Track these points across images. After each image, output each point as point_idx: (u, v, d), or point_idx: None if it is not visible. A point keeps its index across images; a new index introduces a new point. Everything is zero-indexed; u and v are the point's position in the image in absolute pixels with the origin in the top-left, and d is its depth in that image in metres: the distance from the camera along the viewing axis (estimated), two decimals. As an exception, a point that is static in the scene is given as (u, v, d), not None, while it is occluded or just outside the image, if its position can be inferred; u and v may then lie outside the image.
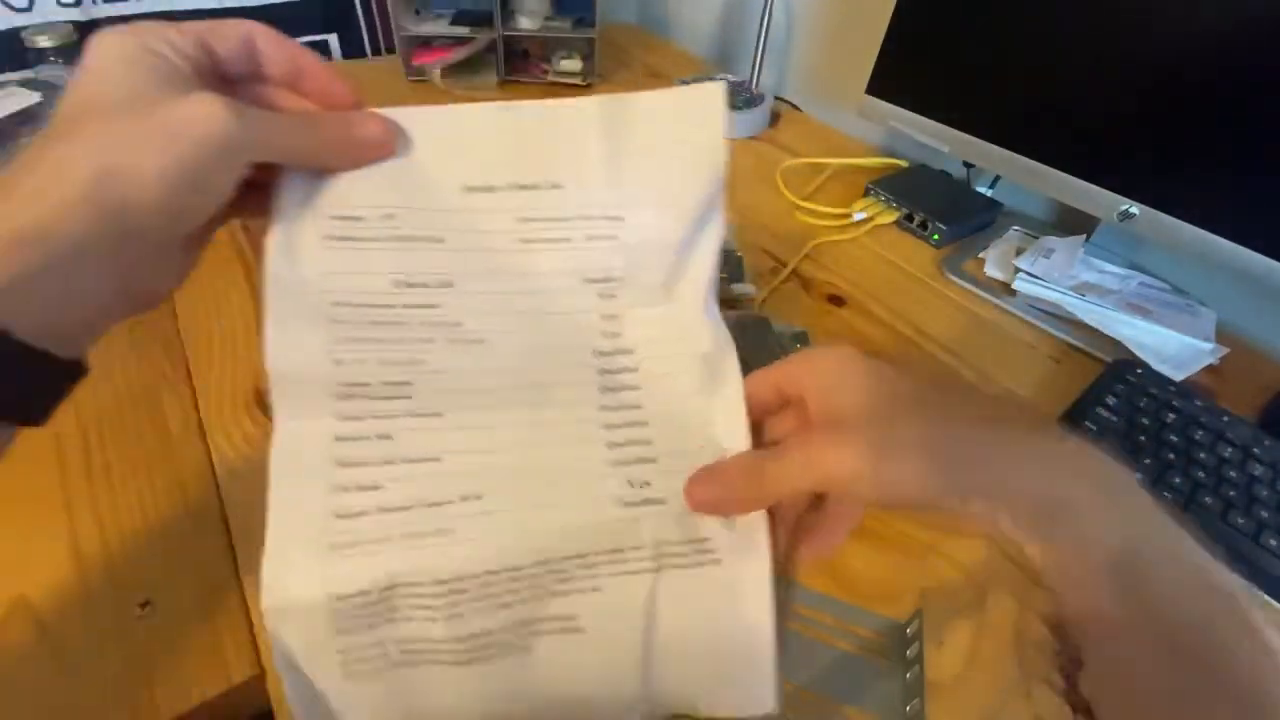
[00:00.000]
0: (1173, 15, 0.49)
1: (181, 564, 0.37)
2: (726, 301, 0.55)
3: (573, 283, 0.29)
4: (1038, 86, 0.57)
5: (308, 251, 0.26)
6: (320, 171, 0.26)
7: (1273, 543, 0.40)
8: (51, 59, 0.69)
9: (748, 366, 0.39)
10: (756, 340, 0.42)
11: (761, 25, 0.80)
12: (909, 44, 0.64)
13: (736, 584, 0.25)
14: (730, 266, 0.56)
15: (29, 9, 0.75)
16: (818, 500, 0.28)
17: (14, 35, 0.70)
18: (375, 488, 0.25)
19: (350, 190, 0.26)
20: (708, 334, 0.29)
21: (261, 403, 0.45)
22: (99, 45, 0.24)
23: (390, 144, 0.27)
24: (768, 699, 0.25)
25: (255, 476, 0.23)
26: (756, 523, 0.26)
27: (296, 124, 0.26)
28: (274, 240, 0.25)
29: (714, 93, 0.29)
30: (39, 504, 0.39)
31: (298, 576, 0.23)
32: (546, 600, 0.25)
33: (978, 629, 0.35)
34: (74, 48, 0.70)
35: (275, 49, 0.26)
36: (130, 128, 0.22)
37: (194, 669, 0.33)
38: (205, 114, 0.23)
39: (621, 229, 0.29)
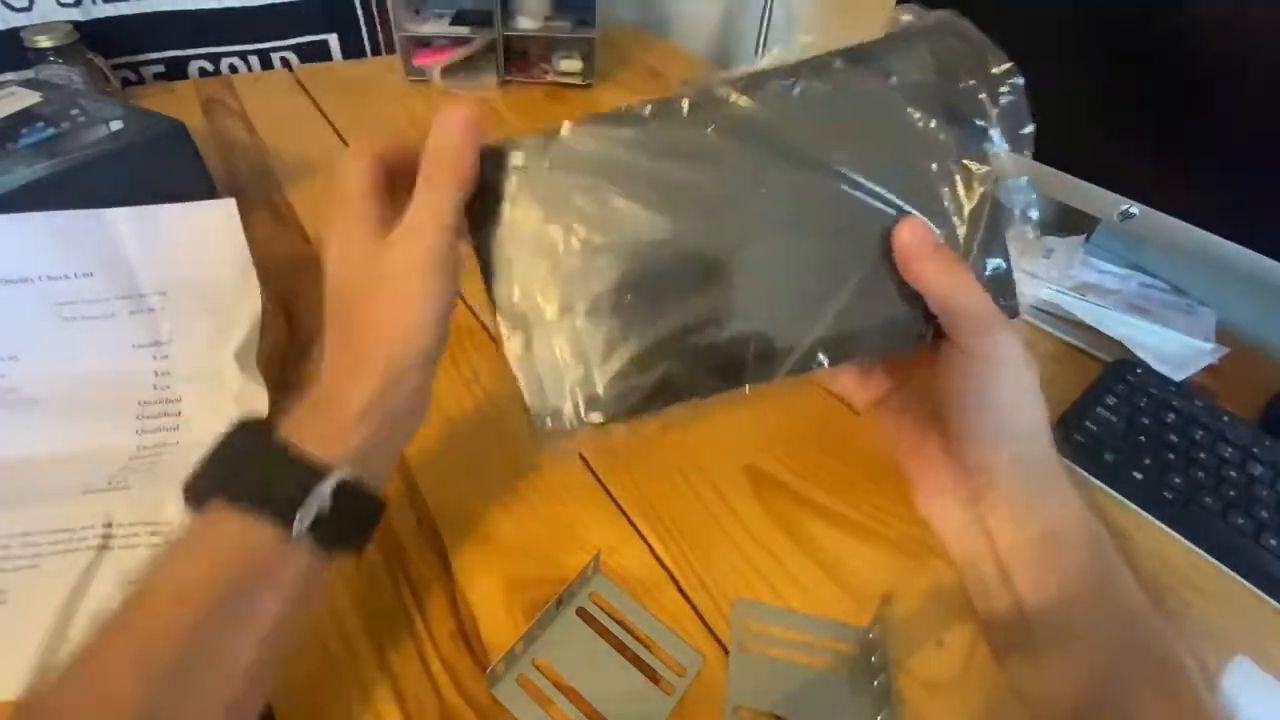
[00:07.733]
0: (1172, 13, 0.49)
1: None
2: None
3: (124, 348, 0.39)
4: (1036, 85, 0.57)
5: None
6: None
7: (1273, 543, 0.40)
8: (51, 59, 0.69)
9: None
10: None
11: (762, 25, 0.80)
12: (909, 44, 0.64)
13: None
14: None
15: (29, 9, 0.75)
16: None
17: (14, 35, 0.70)
18: None
19: None
20: (239, 382, 0.39)
21: None
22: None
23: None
24: None
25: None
26: None
27: None
28: None
29: (227, 206, 0.40)
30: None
31: None
32: None
33: (978, 629, 0.35)
34: (74, 48, 0.70)
35: None
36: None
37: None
38: None
39: (165, 303, 0.39)
